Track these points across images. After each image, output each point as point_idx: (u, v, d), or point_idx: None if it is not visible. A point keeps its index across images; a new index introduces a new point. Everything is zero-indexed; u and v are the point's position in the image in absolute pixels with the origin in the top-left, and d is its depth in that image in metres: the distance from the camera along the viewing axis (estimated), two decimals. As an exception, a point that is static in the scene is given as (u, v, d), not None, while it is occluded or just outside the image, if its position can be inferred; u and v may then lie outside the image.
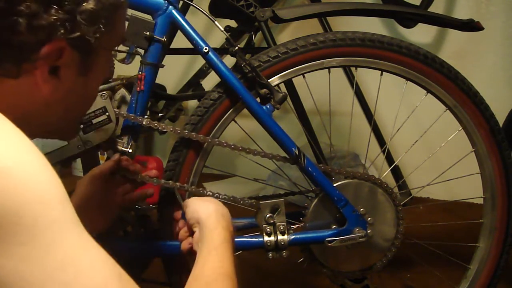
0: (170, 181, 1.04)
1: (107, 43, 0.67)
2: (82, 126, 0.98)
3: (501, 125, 1.25)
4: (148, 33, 1.01)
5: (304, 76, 1.13)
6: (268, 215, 1.04)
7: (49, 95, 0.61)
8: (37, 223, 0.46)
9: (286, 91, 1.19)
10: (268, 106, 1.07)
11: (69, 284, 0.46)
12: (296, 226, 1.10)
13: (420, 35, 2.15)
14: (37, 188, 0.48)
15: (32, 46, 0.57)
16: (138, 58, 1.04)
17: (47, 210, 0.47)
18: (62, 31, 0.58)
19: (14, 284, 0.45)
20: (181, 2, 1.10)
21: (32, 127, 0.53)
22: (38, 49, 0.57)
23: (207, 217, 0.80)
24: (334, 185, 1.10)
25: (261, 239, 1.04)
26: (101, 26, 0.62)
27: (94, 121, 0.99)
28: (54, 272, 0.46)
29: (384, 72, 1.16)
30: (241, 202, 1.06)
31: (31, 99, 0.60)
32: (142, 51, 1.04)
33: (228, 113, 1.09)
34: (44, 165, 0.50)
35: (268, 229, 1.04)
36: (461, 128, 1.21)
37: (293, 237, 1.05)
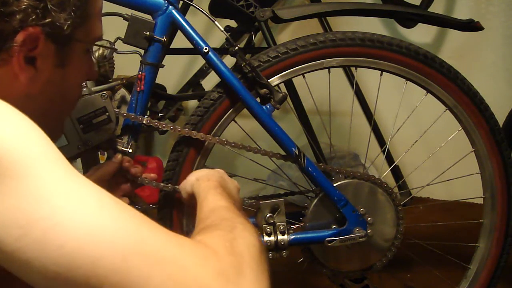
0: (169, 185, 1.04)
1: (81, 36, 0.68)
2: (82, 126, 0.98)
3: (501, 125, 1.25)
4: (148, 33, 1.01)
5: (304, 76, 1.13)
6: (268, 215, 1.04)
7: (27, 85, 0.62)
8: (20, 162, 0.47)
9: (286, 91, 1.19)
10: (268, 106, 1.07)
11: (56, 214, 0.46)
12: (296, 226, 1.10)
13: (420, 35, 2.15)
14: (18, 131, 0.49)
15: (6, 34, 0.59)
16: (138, 58, 1.04)
17: (28, 149, 0.48)
18: (33, 17, 0.59)
19: None
20: (181, 2, 1.10)
21: None
22: (13, 37, 0.59)
23: (198, 177, 0.86)
24: (334, 185, 1.10)
25: (261, 239, 1.04)
26: (72, 13, 0.63)
27: (94, 121, 0.99)
28: (35, 209, 0.46)
29: (384, 72, 1.16)
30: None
31: (10, 90, 0.61)
32: (142, 51, 1.04)
33: (228, 113, 1.09)
34: (22, 116, 0.51)
35: (268, 229, 1.04)
36: (461, 128, 1.21)
37: (293, 237, 1.05)
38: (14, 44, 0.59)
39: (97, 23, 0.72)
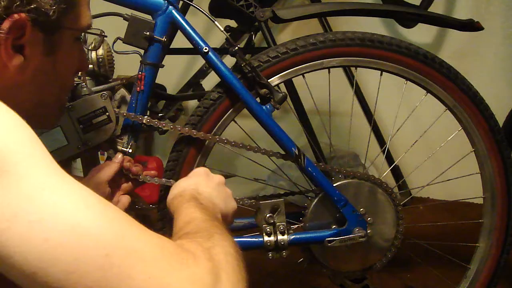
0: (171, 180, 1.04)
1: (69, 23, 0.68)
2: (82, 126, 0.98)
3: (501, 125, 1.25)
4: (148, 33, 1.01)
5: (304, 76, 1.13)
6: (268, 215, 1.04)
7: (16, 74, 0.62)
8: (6, 159, 0.47)
9: (286, 91, 1.19)
10: (268, 106, 1.07)
11: (41, 209, 0.46)
12: (296, 226, 1.10)
13: (420, 35, 2.15)
14: (5, 128, 0.49)
15: None
16: (138, 58, 1.04)
17: (16, 146, 0.48)
18: (18, 3, 0.59)
19: None
20: (181, 2, 1.10)
21: None
22: None
23: (173, 195, 0.81)
24: (334, 185, 1.10)
25: (261, 239, 1.04)
26: None
27: (94, 121, 0.99)
28: (21, 204, 0.46)
29: (384, 72, 1.16)
30: (241, 202, 1.06)
31: (0, 79, 0.61)
32: (142, 51, 1.04)
33: (228, 113, 1.09)
34: (10, 113, 0.51)
35: (268, 229, 1.04)
36: (461, 128, 1.21)
37: (293, 237, 1.05)
38: (1, 31, 0.58)
39: (85, 11, 0.71)
